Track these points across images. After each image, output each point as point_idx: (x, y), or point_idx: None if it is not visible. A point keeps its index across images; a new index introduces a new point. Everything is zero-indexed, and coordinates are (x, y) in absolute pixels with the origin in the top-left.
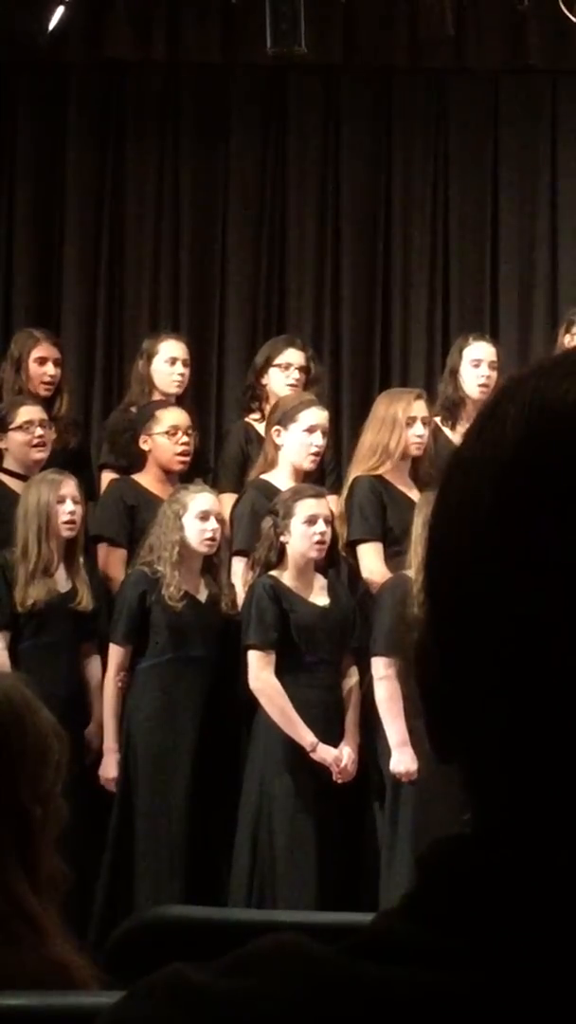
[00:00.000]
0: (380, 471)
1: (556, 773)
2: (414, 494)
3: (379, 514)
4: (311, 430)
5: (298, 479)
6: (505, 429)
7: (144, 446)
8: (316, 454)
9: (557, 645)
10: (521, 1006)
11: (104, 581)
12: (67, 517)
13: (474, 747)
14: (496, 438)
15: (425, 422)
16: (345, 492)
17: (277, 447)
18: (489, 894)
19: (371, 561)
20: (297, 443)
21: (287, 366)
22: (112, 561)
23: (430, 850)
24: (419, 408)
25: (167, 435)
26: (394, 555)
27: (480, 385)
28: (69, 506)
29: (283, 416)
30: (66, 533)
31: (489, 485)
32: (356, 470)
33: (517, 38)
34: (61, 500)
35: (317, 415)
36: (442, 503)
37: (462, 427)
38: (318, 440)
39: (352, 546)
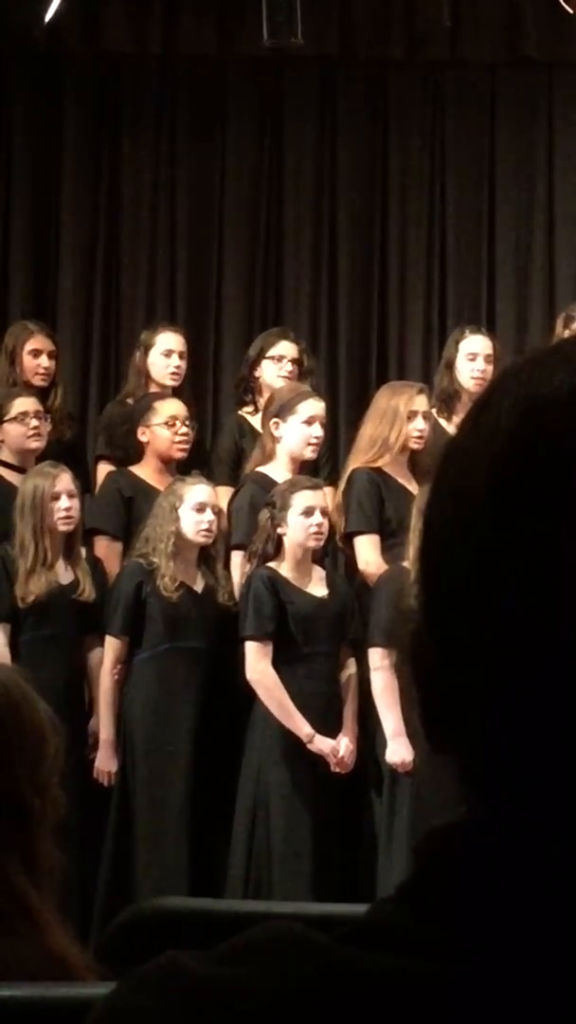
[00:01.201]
0: (379, 463)
1: (550, 765)
2: (413, 486)
3: (377, 507)
4: (310, 421)
5: (295, 471)
6: (499, 420)
7: (143, 438)
8: (315, 445)
9: (551, 638)
10: (511, 997)
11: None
12: (63, 513)
13: (468, 738)
14: (490, 429)
15: (426, 416)
16: (343, 484)
17: (275, 439)
18: (482, 884)
19: (368, 553)
20: (296, 434)
21: (280, 358)
22: (109, 554)
23: (425, 840)
24: (421, 402)
25: (166, 426)
26: (392, 547)
27: (475, 378)
28: (64, 502)
29: (281, 408)
30: (63, 528)
31: (482, 476)
32: (355, 462)
33: (514, 30)
34: (56, 496)
35: (315, 406)
36: (436, 494)
37: (458, 419)
38: (317, 431)
39: (349, 538)
